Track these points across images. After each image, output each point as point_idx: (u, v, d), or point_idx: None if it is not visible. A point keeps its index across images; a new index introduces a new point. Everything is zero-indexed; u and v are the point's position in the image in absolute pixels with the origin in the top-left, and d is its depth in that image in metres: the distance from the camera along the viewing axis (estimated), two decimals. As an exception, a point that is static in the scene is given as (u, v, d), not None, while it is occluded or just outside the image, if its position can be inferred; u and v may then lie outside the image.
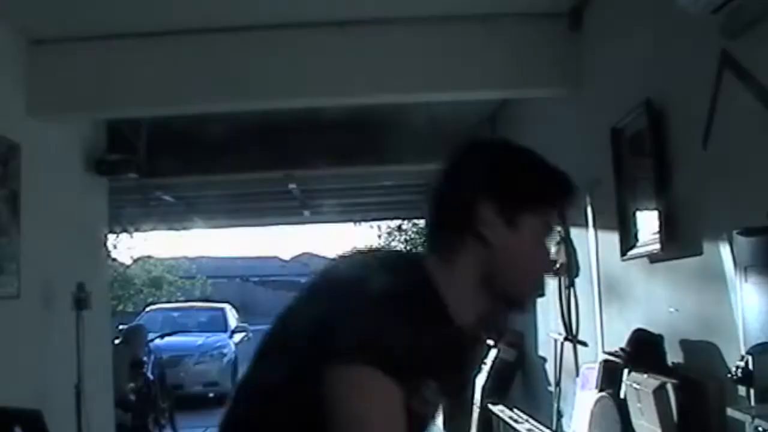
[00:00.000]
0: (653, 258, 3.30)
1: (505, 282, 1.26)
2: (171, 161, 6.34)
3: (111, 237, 10.94)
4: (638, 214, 3.50)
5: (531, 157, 1.32)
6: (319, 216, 9.45)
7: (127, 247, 16.92)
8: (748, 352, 2.29)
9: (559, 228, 1.19)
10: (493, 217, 1.24)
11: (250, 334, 11.47)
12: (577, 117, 4.42)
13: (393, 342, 1.12)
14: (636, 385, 2.89)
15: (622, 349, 3.24)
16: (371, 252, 1.30)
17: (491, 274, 1.25)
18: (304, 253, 40.03)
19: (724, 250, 2.63)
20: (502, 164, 1.30)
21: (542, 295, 5.28)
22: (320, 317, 1.17)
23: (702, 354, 2.86)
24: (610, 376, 3.27)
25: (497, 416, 5.30)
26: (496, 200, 1.25)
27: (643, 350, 3.09)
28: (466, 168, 1.31)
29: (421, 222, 9.99)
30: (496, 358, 5.95)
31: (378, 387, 1.11)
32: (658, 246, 3.14)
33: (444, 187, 1.31)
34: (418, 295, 1.21)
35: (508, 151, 1.34)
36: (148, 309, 13.26)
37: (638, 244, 3.46)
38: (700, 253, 2.88)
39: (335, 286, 1.23)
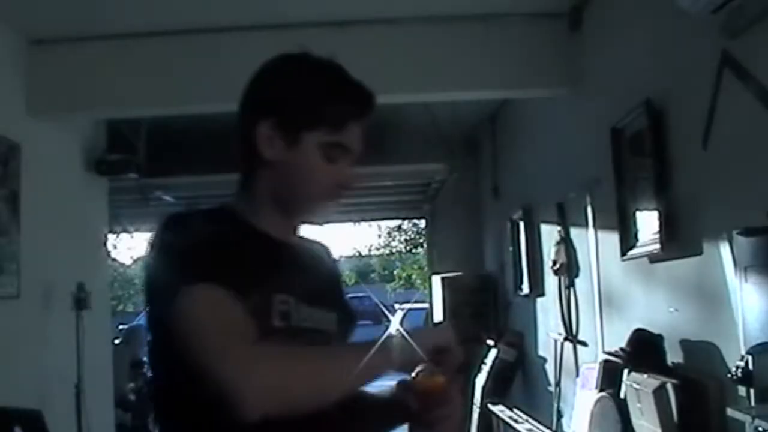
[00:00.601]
0: (653, 258, 3.30)
1: (293, 198, 1.29)
2: (171, 161, 6.34)
3: (111, 237, 10.94)
4: (638, 214, 3.50)
5: (312, 72, 1.30)
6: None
7: (127, 247, 16.98)
8: (748, 352, 2.29)
9: (352, 143, 1.20)
10: (272, 137, 1.25)
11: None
12: (577, 117, 4.43)
13: (214, 263, 1.14)
14: (636, 385, 2.88)
15: (622, 349, 3.24)
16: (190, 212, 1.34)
17: (280, 192, 1.28)
18: (304, 253, 39.99)
19: (724, 250, 2.63)
20: (276, 83, 1.31)
21: (542, 294, 5.29)
22: (149, 272, 1.21)
23: (702, 354, 2.86)
24: (610, 376, 3.26)
25: (497, 416, 5.30)
26: (273, 120, 1.25)
27: (643, 350, 3.09)
28: (247, 94, 1.32)
29: (422, 222, 9.98)
30: (496, 358, 5.96)
31: (214, 295, 1.11)
32: (658, 246, 3.14)
33: (236, 119, 1.32)
34: (224, 222, 1.26)
35: (284, 68, 1.33)
36: (148, 309, 13.26)
37: (638, 244, 3.46)
38: (700, 253, 2.88)
39: (156, 241, 1.23)
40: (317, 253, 1.42)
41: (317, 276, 1.35)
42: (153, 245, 1.21)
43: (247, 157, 1.28)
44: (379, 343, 1.13)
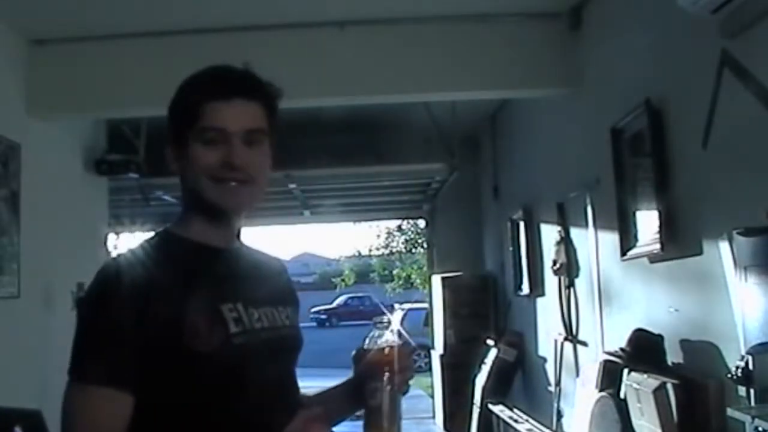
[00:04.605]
0: (653, 258, 3.30)
1: (195, 195, 1.37)
2: (171, 161, 6.32)
3: (111, 237, 10.93)
4: (638, 214, 3.50)
5: (181, 87, 1.42)
6: (319, 216, 9.43)
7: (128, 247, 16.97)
8: (748, 352, 2.29)
9: (217, 128, 1.27)
10: (173, 153, 1.39)
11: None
12: (577, 117, 4.43)
13: (105, 355, 1.27)
14: (636, 385, 2.89)
15: (622, 349, 3.24)
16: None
17: (190, 196, 1.39)
18: (304, 253, 40.05)
19: (724, 250, 2.63)
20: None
21: (542, 294, 5.29)
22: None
23: (702, 354, 2.86)
24: (610, 376, 3.26)
25: (497, 416, 5.30)
26: (171, 143, 1.39)
27: (643, 350, 3.09)
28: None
29: (422, 222, 9.98)
30: (496, 358, 5.96)
31: (88, 399, 1.28)
32: (658, 246, 3.15)
33: None
34: (159, 251, 1.35)
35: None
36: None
37: (638, 244, 3.46)
38: (700, 253, 2.88)
39: (82, 302, 1.38)
40: (259, 258, 1.49)
41: (261, 278, 1.42)
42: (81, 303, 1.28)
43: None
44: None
